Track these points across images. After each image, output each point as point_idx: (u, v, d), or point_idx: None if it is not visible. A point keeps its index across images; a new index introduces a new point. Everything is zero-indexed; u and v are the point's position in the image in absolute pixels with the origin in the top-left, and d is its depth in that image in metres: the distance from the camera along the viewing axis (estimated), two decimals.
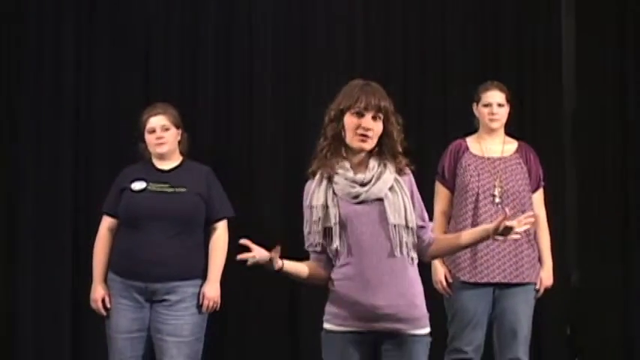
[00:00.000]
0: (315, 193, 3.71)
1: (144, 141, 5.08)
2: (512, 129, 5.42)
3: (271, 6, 6.72)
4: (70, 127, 6.61)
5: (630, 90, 6.73)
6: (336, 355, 3.72)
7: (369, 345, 3.71)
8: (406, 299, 3.67)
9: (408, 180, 3.75)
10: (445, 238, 4.11)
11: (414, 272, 3.73)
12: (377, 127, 3.68)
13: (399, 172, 3.72)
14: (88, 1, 6.70)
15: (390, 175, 3.68)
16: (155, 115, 5.05)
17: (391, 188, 3.67)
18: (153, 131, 5.03)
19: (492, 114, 5.28)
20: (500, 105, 5.30)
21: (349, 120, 3.67)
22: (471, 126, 5.42)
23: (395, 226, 3.65)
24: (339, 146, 3.71)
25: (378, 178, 3.67)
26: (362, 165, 3.71)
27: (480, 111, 5.33)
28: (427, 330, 3.74)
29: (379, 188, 3.66)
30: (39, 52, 6.62)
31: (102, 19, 6.69)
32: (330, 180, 3.69)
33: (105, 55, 6.68)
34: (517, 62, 6.72)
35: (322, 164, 3.71)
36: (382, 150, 3.72)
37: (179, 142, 5.11)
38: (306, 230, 3.77)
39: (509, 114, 5.36)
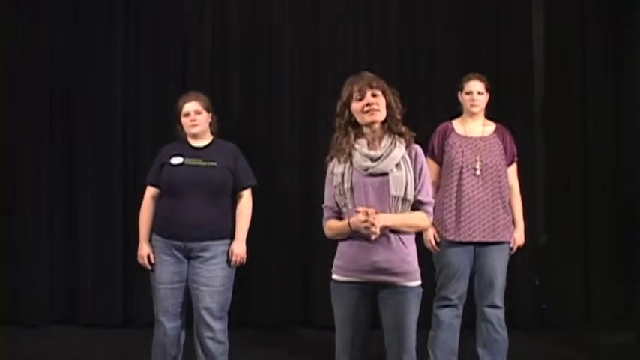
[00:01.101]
0: (336, 164, 3.72)
1: (180, 123, 5.03)
2: (491, 113, 5.36)
3: (288, 9, 6.70)
4: (120, 111, 6.66)
5: (589, 83, 6.69)
6: (342, 301, 3.71)
7: (369, 293, 3.70)
8: (399, 256, 3.66)
9: (415, 154, 3.71)
10: None
11: (408, 235, 3.70)
12: (380, 101, 3.66)
13: (407, 146, 3.69)
14: (136, 3, 6.69)
15: (398, 152, 3.66)
16: (189, 101, 5.00)
17: (397, 165, 3.65)
18: (187, 115, 4.98)
19: (473, 100, 5.23)
20: (480, 93, 5.25)
21: (355, 106, 3.67)
22: (456, 110, 5.36)
23: (395, 197, 3.64)
24: (351, 131, 3.70)
25: (387, 156, 3.65)
26: (376, 142, 3.70)
27: (463, 98, 5.29)
28: (418, 282, 3.71)
29: (386, 164, 3.65)
30: (93, 47, 6.66)
31: (147, 20, 6.70)
32: (349, 154, 3.68)
33: (150, 50, 6.69)
34: (495, 59, 6.67)
35: (338, 150, 3.71)
36: (390, 126, 3.69)
37: (210, 124, 5.06)
38: (327, 193, 3.77)
39: (489, 100, 5.30)
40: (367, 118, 3.66)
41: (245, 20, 6.73)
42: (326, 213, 3.78)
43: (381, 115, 3.67)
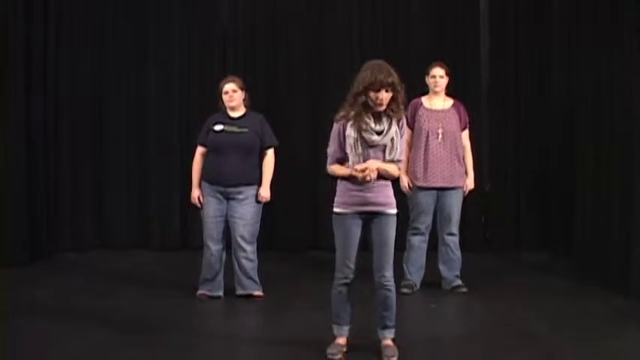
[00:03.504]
0: (348, 128, 3.63)
1: (221, 99, 4.92)
2: (451, 91, 5.23)
3: (301, 10, 6.58)
4: (177, 88, 6.60)
5: (520, 70, 6.57)
6: (343, 228, 3.68)
7: (362, 221, 3.68)
8: (383, 192, 3.66)
9: (402, 124, 3.68)
10: None
11: (387, 180, 3.70)
12: (387, 97, 3.60)
13: (398, 122, 3.66)
14: (189, 6, 6.61)
15: (393, 128, 3.64)
16: (228, 82, 4.92)
17: (392, 139, 3.64)
18: (226, 93, 4.89)
19: (436, 82, 5.12)
20: (441, 77, 5.13)
21: (371, 94, 3.58)
22: (424, 89, 5.22)
23: (388, 160, 3.64)
24: (363, 108, 3.61)
25: (388, 132, 3.63)
26: (378, 118, 3.64)
27: (429, 80, 5.16)
28: (395, 211, 3.71)
29: (386, 139, 3.63)
30: (157, 37, 6.58)
31: (196, 20, 6.61)
32: (359, 127, 3.61)
33: (198, 44, 6.61)
34: (453, 51, 6.48)
35: (351, 117, 3.62)
36: (390, 109, 3.62)
37: (243, 100, 4.95)
38: (334, 146, 3.69)
39: (448, 82, 5.17)
40: (376, 107, 3.60)
41: (268, 19, 6.60)
42: (330, 159, 3.73)
43: (384, 107, 3.61)
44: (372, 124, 3.61)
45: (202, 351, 3.86)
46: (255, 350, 3.93)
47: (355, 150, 3.60)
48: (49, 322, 4.31)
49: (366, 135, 3.60)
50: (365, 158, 3.60)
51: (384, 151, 3.63)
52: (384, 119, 3.63)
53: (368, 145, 3.61)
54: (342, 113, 3.66)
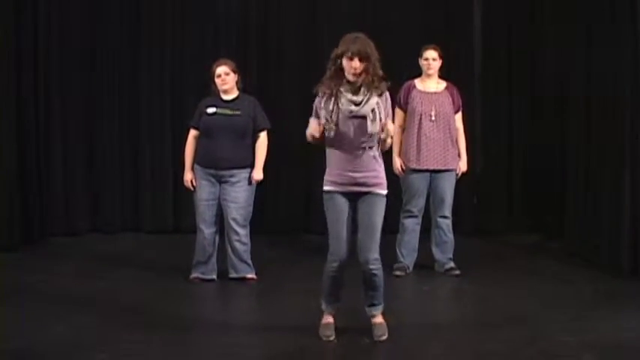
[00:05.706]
0: (325, 102, 3.56)
1: (214, 82, 4.86)
2: (444, 74, 5.19)
3: None
4: (169, 71, 6.54)
5: (512, 57, 6.54)
6: (333, 206, 3.63)
7: (351, 200, 3.64)
8: (372, 173, 3.61)
9: (385, 99, 3.58)
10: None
11: (379, 158, 3.64)
12: (361, 66, 3.51)
13: (380, 94, 3.56)
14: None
15: (373, 99, 3.53)
16: (220, 65, 4.85)
17: (373, 110, 3.52)
18: (219, 76, 4.82)
19: (429, 65, 5.07)
20: (434, 59, 5.08)
21: (345, 62, 3.52)
22: (417, 71, 5.17)
23: (371, 133, 3.53)
24: (339, 77, 3.55)
25: (367, 102, 3.53)
26: (357, 89, 3.56)
27: (422, 63, 5.11)
28: (384, 192, 3.65)
29: (365, 110, 3.52)
30: (151, 28, 6.48)
31: (191, 6, 6.55)
32: (336, 97, 3.54)
33: (192, 29, 6.54)
34: (445, 38, 6.35)
35: (328, 86, 3.56)
36: (370, 82, 3.53)
37: (236, 82, 4.89)
38: (313, 122, 3.60)
39: (441, 65, 5.12)
40: (350, 77, 3.52)
41: (260, 5, 6.54)
42: (307, 130, 3.62)
43: (357, 76, 3.51)
44: (350, 95, 3.52)
45: (195, 334, 3.83)
46: (249, 333, 3.91)
47: (331, 120, 3.49)
48: (42, 305, 4.28)
49: (343, 106, 3.51)
50: (344, 129, 3.51)
51: (365, 122, 3.49)
52: (362, 91, 3.53)
53: (347, 116, 3.51)
54: (321, 85, 3.57)
